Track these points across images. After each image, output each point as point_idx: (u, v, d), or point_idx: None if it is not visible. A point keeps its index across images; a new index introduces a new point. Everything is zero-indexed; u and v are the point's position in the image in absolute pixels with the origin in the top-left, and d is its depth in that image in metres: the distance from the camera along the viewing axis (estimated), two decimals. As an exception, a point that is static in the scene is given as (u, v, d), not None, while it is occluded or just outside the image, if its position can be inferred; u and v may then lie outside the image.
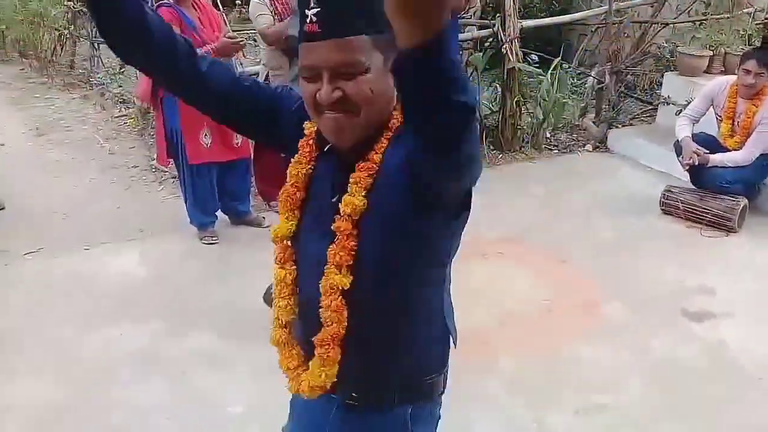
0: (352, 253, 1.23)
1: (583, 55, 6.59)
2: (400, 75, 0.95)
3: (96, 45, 8.20)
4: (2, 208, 4.61)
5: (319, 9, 1.12)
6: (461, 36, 5.56)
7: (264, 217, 4.25)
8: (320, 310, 1.25)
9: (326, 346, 1.27)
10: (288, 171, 1.32)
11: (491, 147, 5.47)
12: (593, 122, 5.80)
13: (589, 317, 3.35)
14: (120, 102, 6.91)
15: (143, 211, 4.54)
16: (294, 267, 1.34)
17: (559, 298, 3.52)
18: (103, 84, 7.29)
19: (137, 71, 6.65)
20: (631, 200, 4.58)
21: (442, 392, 1.46)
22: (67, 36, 8.51)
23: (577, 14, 6.22)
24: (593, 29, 6.42)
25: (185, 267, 3.81)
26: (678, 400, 2.77)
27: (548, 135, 5.68)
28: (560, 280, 3.67)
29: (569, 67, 5.94)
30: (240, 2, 8.24)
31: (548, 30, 6.58)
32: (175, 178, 4.65)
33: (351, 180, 1.22)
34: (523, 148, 5.50)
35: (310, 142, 1.30)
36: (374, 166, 1.22)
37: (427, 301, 1.35)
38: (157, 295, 3.52)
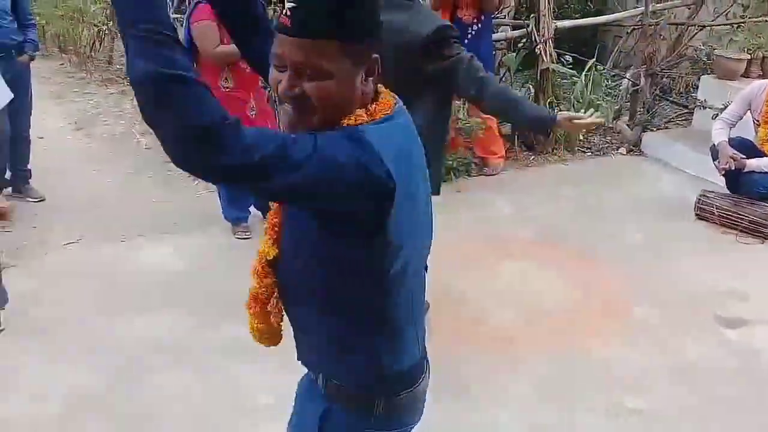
0: (275, 228, 1.31)
1: (618, 57, 6.54)
2: None
3: (133, 41, 8.35)
4: (42, 200, 4.73)
5: (294, 5, 1.11)
6: (495, 36, 5.56)
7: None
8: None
9: (251, 303, 1.43)
10: None
11: (523, 148, 5.46)
12: (627, 125, 5.75)
13: (619, 319, 3.34)
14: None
15: (178, 205, 4.62)
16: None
17: (588, 300, 3.51)
18: (140, 80, 7.41)
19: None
20: (665, 204, 4.55)
21: (382, 421, 1.40)
22: (106, 32, 8.68)
23: (612, 15, 6.19)
24: (629, 31, 6.37)
25: (218, 260, 3.88)
26: (708, 404, 2.75)
27: (581, 137, 5.65)
28: (590, 282, 3.66)
29: (603, 69, 5.90)
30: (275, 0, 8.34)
31: (583, 31, 6.54)
32: (209, 173, 4.72)
33: None
34: (555, 150, 5.48)
35: None
36: None
37: (345, 317, 1.31)
38: (191, 287, 3.59)
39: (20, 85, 4.50)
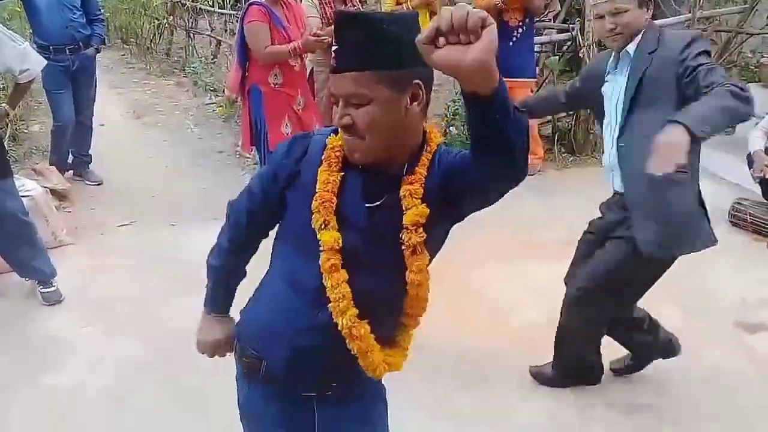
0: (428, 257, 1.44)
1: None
2: (472, 119, 1.16)
3: (191, 35, 8.67)
4: (101, 183, 5.04)
5: (337, 47, 1.32)
6: (538, 39, 5.65)
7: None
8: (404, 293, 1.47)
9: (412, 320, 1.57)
10: (320, 178, 1.42)
11: (562, 150, 5.54)
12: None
13: (644, 322, 3.40)
14: (210, 90, 7.32)
15: (226, 193, 4.80)
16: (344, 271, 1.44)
17: (615, 302, 3.57)
18: (197, 73, 7.72)
19: (228, 62, 7.01)
20: (700, 210, 4.54)
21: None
22: (166, 25, 9.03)
23: (658, 21, 6.16)
24: (676, 36, 6.34)
25: (261, 248, 4.08)
26: (723, 406, 2.82)
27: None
28: (618, 284, 3.72)
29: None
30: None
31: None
32: (257, 164, 4.96)
33: (404, 194, 1.39)
34: (595, 153, 5.53)
35: (338, 153, 1.44)
36: (421, 177, 1.40)
37: None
38: (234, 271, 3.79)
39: (86, 76, 4.82)
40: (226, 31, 8.22)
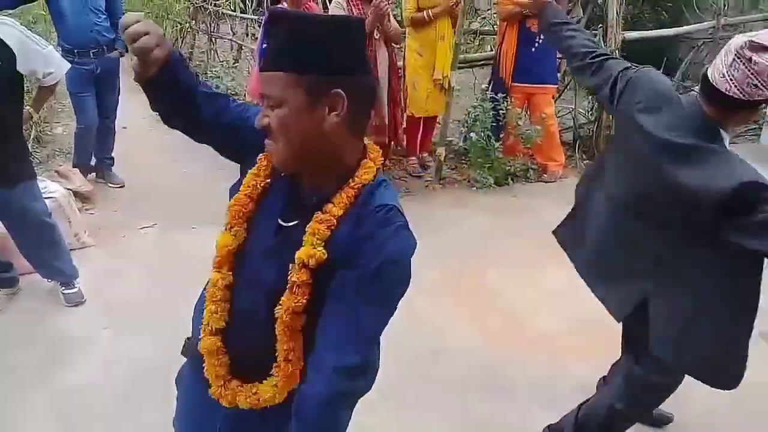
0: (305, 298, 1.28)
1: (689, 69, 6.45)
2: None
3: (213, 39, 8.72)
4: (123, 186, 5.08)
5: (265, 45, 1.29)
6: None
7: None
8: (275, 326, 1.31)
9: (282, 364, 1.34)
10: (245, 180, 1.39)
11: (584, 156, 5.49)
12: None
13: (665, 331, 3.36)
14: (232, 94, 7.35)
15: (246, 197, 4.87)
16: (230, 273, 1.40)
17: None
18: (218, 77, 7.75)
19: (250, 66, 7.02)
20: (724, 219, 4.49)
21: None
22: (188, 29, 9.08)
23: (682, 28, 6.11)
24: (700, 44, 6.28)
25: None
26: (746, 417, 2.78)
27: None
28: (639, 293, 3.68)
29: (672, 80, 5.85)
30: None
31: (659, 41, 6.48)
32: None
33: (308, 230, 1.27)
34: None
35: (270, 158, 1.36)
36: (332, 219, 1.27)
37: None
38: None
39: (110, 80, 4.86)
40: (247, 35, 8.26)
